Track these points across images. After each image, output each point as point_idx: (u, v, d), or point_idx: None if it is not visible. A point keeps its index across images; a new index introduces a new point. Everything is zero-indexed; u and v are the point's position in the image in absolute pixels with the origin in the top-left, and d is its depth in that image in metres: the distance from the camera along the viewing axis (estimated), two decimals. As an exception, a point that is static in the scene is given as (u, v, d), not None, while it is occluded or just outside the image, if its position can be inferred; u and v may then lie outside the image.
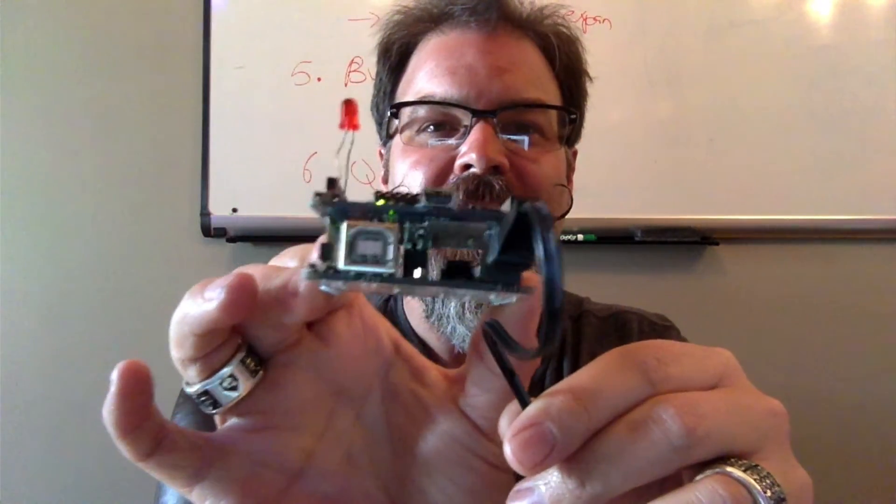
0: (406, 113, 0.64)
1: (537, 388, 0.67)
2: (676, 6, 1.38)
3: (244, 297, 0.22)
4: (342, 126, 0.22)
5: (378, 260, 0.19)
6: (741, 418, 0.21)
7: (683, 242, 1.36)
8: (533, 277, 0.21)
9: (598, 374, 0.21)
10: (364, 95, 0.74)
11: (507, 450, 0.19)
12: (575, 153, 0.73)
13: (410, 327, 0.69)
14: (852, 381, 1.42)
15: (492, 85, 0.61)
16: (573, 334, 0.72)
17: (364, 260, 0.19)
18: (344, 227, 0.19)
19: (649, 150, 1.37)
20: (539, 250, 0.17)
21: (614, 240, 1.37)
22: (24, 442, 1.36)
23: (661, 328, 0.74)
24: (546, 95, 0.64)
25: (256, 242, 1.36)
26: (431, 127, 0.63)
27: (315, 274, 0.19)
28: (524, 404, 0.21)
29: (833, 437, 1.41)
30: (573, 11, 1.33)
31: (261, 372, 0.24)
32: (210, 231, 1.33)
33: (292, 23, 1.36)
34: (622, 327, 0.73)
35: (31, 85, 1.39)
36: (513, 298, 0.21)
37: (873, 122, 1.37)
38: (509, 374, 0.22)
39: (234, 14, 1.37)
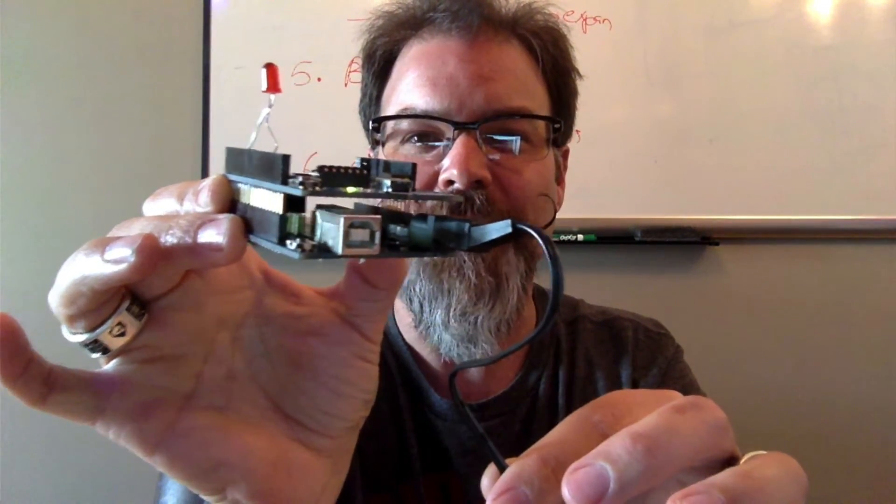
0: (389, 125, 0.64)
1: (531, 395, 0.68)
2: (676, 6, 1.38)
3: (154, 257, 0.23)
4: (268, 90, 0.26)
5: (364, 244, 0.23)
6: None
7: (683, 242, 1.37)
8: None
9: (562, 438, 0.25)
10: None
11: None
12: (566, 152, 0.72)
13: (401, 335, 0.69)
14: (852, 380, 1.42)
15: (474, 96, 0.60)
16: (568, 340, 0.72)
17: (355, 245, 0.23)
18: (342, 221, 0.23)
19: (649, 150, 1.37)
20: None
21: (614, 240, 1.37)
22: (24, 442, 1.36)
23: (655, 335, 0.74)
24: (531, 101, 0.63)
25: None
26: (415, 138, 0.62)
27: (310, 254, 0.23)
28: (501, 467, 0.25)
29: (833, 436, 1.41)
30: (572, 11, 1.35)
31: (146, 315, 0.26)
32: (210, 231, 1.33)
33: (292, 23, 1.36)
34: (618, 335, 0.73)
35: (31, 85, 1.39)
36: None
37: (873, 122, 1.37)
38: (482, 439, 0.27)
39: (234, 14, 1.37)
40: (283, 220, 0.23)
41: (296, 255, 0.23)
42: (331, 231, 0.23)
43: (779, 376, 1.41)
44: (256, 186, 0.25)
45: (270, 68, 0.26)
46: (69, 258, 0.25)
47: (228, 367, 0.29)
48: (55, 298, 0.25)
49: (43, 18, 1.39)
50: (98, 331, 0.25)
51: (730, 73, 1.37)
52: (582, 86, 0.72)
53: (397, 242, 0.24)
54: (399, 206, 0.26)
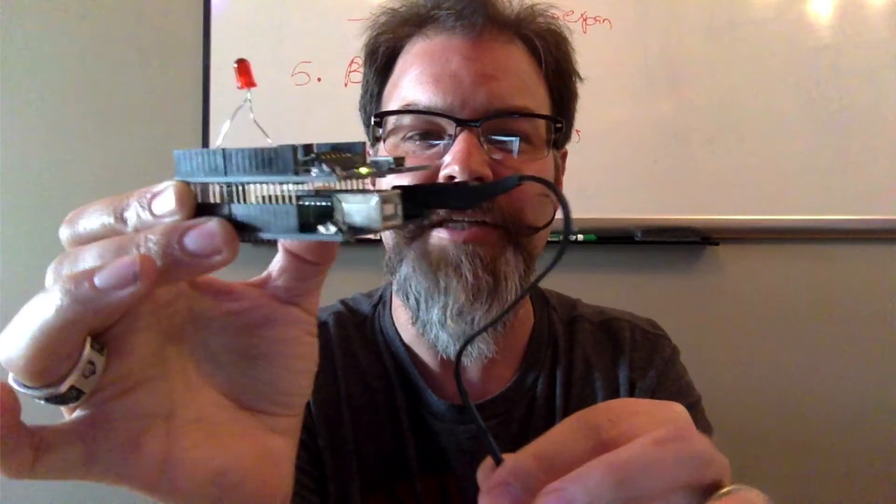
0: (391, 120, 0.64)
1: (529, 395, 0.68)
2: (676, 6, 1.38)
3: (152, 279, 0.23)
4: (241, 87, 0.25)
5: (392, 217, 0.24)
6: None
7: (683, 242, 1.37)
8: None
9: (559, 439, 0.26)
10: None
11: (483, 502, 0.25)
12: (564, 154, 0.73)
13: (398, 336, 0.69)
14: (852, 380, 1.42)
15: (476, 93, 0.60)
16: (566, 340, 0.72)
17: (387, 219, 0.24)
18: (377, 198, 0.23)
19: (649, 150, 1.37)
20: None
21: (614, 240, 1.37)
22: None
23: (653, 336, 0.74)
24: (533, 102, 0.63)
25: (256, 243, 1.36)
26: (416, 135, 0.62)
27: (351, 234, 0.23)
28: (497, 461, 0.26)
29: (832, 436, 1.41)
30: (572, 11, 1.34)
31: (105, 348, 0.25)
32: (210, 231, 1.33)
33: (292, 23, 1.36)
34: (615, 336, 0.73)
35: (31, 85, 1.39)
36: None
37: (873, 122, 1.37)
38: (482, 432, 0.28)
39: (234, 14, 1.37)
40: (301, 209, 0.23)
41: (340, 238, 0.23)
42: (363, 210, 0.23)
43: (778, 376, 1.41)
44: (250, 183, 0.24)
45: (241, 64, 0.25)
46: (29, 310, 0.23)
47: (185, 379, 0.29)
48: (23, 356, 0.23)
49: (43, 18, 1.39)
50: (72, 376, 0.24)
51: (730, 73, 1.37)
52: (582, 86, 0.72)
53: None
54: (351, 185, 0.25)
